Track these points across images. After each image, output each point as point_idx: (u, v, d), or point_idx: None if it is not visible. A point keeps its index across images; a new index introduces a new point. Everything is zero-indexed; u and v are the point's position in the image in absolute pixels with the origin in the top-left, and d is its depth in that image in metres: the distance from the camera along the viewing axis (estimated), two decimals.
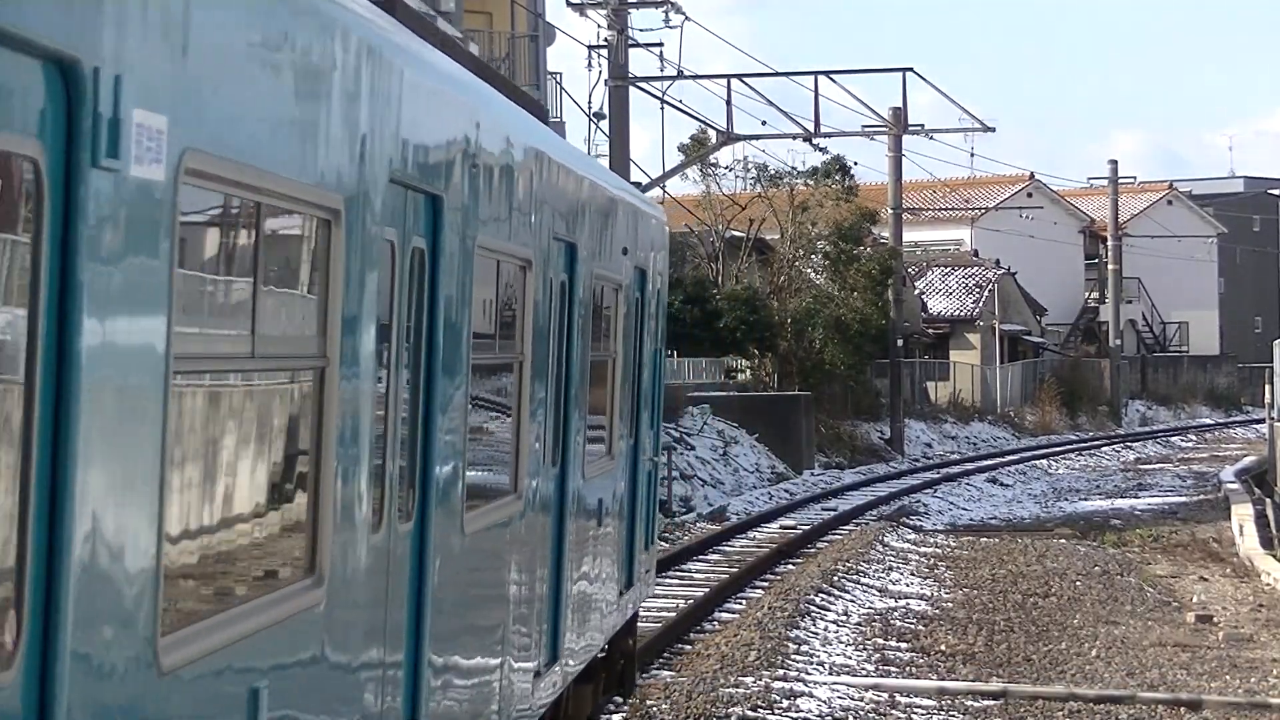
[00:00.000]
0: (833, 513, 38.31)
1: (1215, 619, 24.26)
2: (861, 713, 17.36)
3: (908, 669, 20.09)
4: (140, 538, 5.22)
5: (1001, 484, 49.60)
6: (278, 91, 6.24)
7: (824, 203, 61.22)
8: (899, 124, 47.26)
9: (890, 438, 59.40)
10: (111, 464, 5.01)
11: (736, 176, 62.57)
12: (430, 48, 8.69)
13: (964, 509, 42.39)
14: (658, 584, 26.11)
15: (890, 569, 29.12)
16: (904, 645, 21.65)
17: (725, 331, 56.27)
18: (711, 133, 47.26)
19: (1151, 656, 21.24)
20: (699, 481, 42.68)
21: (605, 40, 40.75)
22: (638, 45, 41.28)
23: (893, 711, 17.56)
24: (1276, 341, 48.38)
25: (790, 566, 28.89)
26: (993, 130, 48.62)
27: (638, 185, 41.86)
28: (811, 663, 19.77)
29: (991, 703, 18.14)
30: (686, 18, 40.91)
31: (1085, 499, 45.72)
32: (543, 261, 10.94)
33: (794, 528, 34.48)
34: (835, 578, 26.68)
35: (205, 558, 5.92)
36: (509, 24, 50.20)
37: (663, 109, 45.23)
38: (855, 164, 65.65)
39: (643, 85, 41.88)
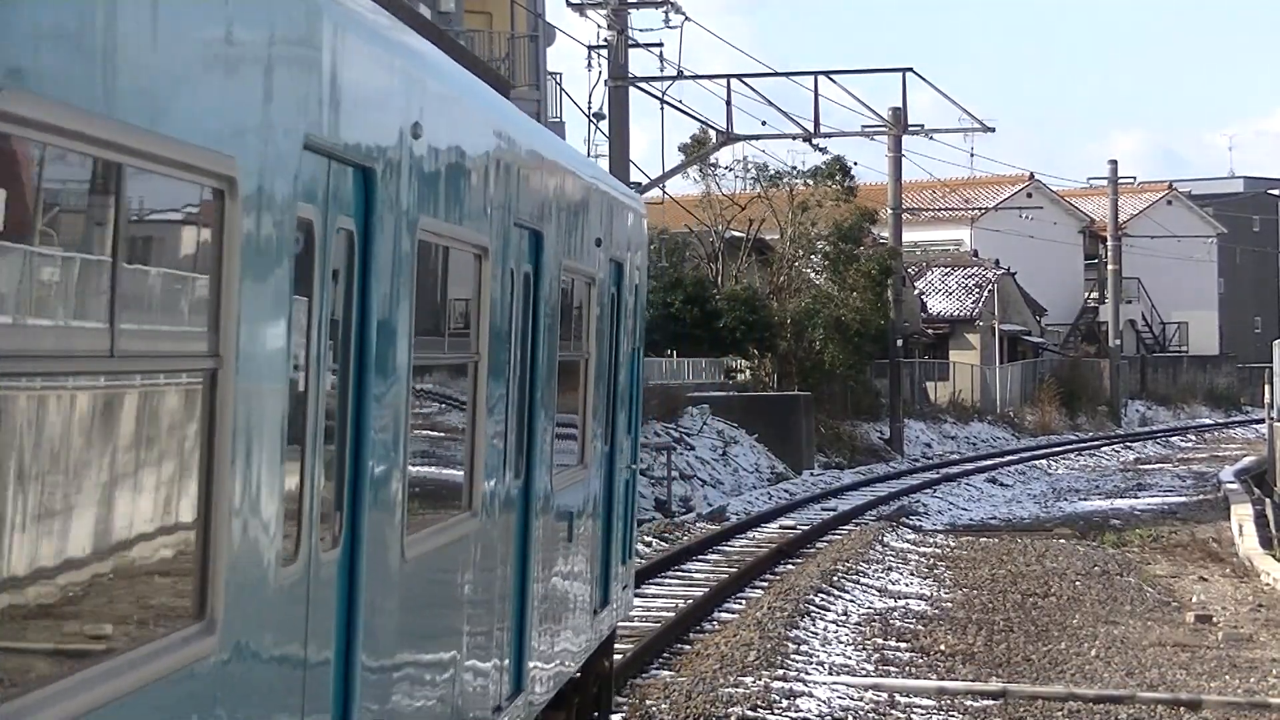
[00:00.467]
0: (832, 513, 38.31)
1: (1215, 619, 24.26)
2: (861, 713, 17.36)
3: (907, 669, 20.09)
4: None
5: (1001, 484, 49.61)
6: (140, 24, 5.15)
7: (824, 203, 61.24)
8: (899, 124, 47.28)
9: (890, 438, 59.40)
10: None
11: (736, 177, 62.66)
12: (369, 3, 7.65)
13: (963, 509, 42.40)
14: (658, 584, 26.16)
15: (890, 569, 29.13)
16: (903, 645, 21.65)
17: (725, 331, 56.30)
18: (711, 133, 47.27)
19: (1151, 656, 21.24)
20: (699, 481, 42.68)
21: (605, 40, 40.76)
22: (638, 45, 41.29)
23: (892, 711, 17.56)
24: (1276, 341, 48.39)
25: (790, 566, 28.90)
26: (992, 130, 48.67)
27: (637, 185, 41.91)
28: (811, 663, 19.77)
29: (991, 703, 18.14)
30: (686, 18, 40.96)
31: (1085, 499, 45.73)
32: (502, 250, 9.87)
33: (794, 528, 34.49)
34: (835, 578, 26.69)
35: (54, 605, 4.93)
36: (509, 24, 50.23)
37: (663, 109, 45.37)
38: (855, 164, 65.64)
39: (643, 85, 41.90)
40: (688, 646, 20.75)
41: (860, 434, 58.55)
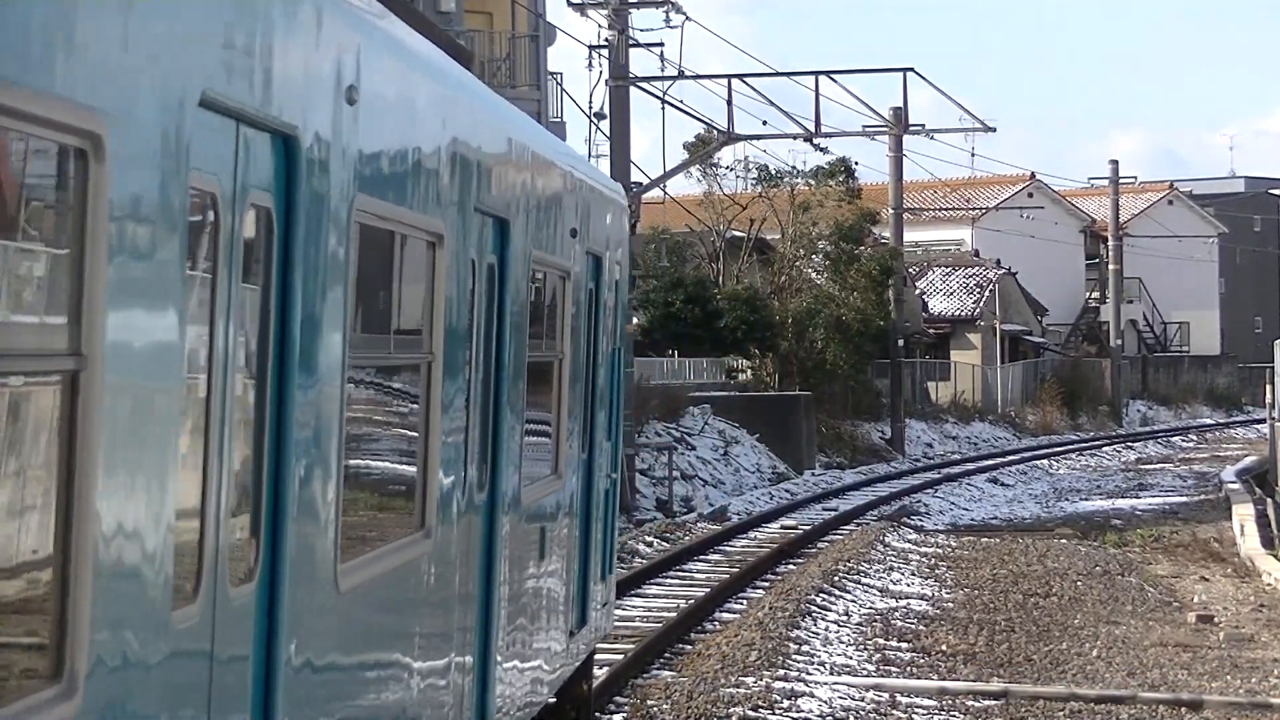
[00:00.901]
0: (833, 513, 38.30)
1: (1216, 619, 24.25)
2: (862, 713, 17.35)
3: (908, 669, 20.08)
4: None
5: (1002, 484, 49.60)
6: None
7: (825, 203, 61.25)
8: (899, 124, 47.23)
9: (891, 438, 59.39)
10: None
11: (737, 176, 62.65)
12: None
13: (965, 509, 42.39)
14: (659, 584, 26.14)
15: (891, 569, 29.11)
16: (905, 645, 21.64)
17: (726, 331, 56.31)
18: (713, 133, 47.24)
19: (1152, 656, 21.23)
20: (700, 481, 42.69)
21: (606, 40, 40.72)
22: (638, 45, 41.25)
23: (893, 711, 17.55)
24: (1277, 341, 48.35)
25: (791, 566, 28.88)
26: (993, 130, 48.55)
27: (638, 185, 41.89)
28: (812, 663, 19.76)
29: (992, 703, 18.13)
30: (687, 18, 40.90)
31: (1086, 499, 45.72)
32: (460, 238, 8.87)
33: (795, 528, 34.48)
34: (836, 578, 26.67)
35: None
36: (509, 24, 50.22)
37: (663, 109, 45.39)
38: (857, 164, 65.63)
39: (643, 85, 41.87)
40: (689, 646, 20.74)
41: (861, 434, 58.54)
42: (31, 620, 4.73)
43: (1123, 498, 46.00)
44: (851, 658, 20.49)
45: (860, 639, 21.90)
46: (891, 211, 61.41)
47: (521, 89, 50.73)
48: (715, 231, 61.56)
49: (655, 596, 24.87)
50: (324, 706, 6.88)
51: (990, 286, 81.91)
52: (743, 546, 31.50)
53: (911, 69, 44.12)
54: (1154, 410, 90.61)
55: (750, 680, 18.12)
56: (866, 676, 19.26)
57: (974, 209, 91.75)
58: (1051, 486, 49.68)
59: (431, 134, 8.35)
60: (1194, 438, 76.51)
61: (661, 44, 41.45)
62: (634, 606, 23.79)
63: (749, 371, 58.98)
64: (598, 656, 19.44)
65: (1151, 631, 23.23)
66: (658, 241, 59.11)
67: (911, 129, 47.73)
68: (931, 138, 49.03)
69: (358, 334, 7.33)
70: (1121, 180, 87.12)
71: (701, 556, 29.71)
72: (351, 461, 7.31)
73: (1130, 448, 67.72)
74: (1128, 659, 21.06)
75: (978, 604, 25.51)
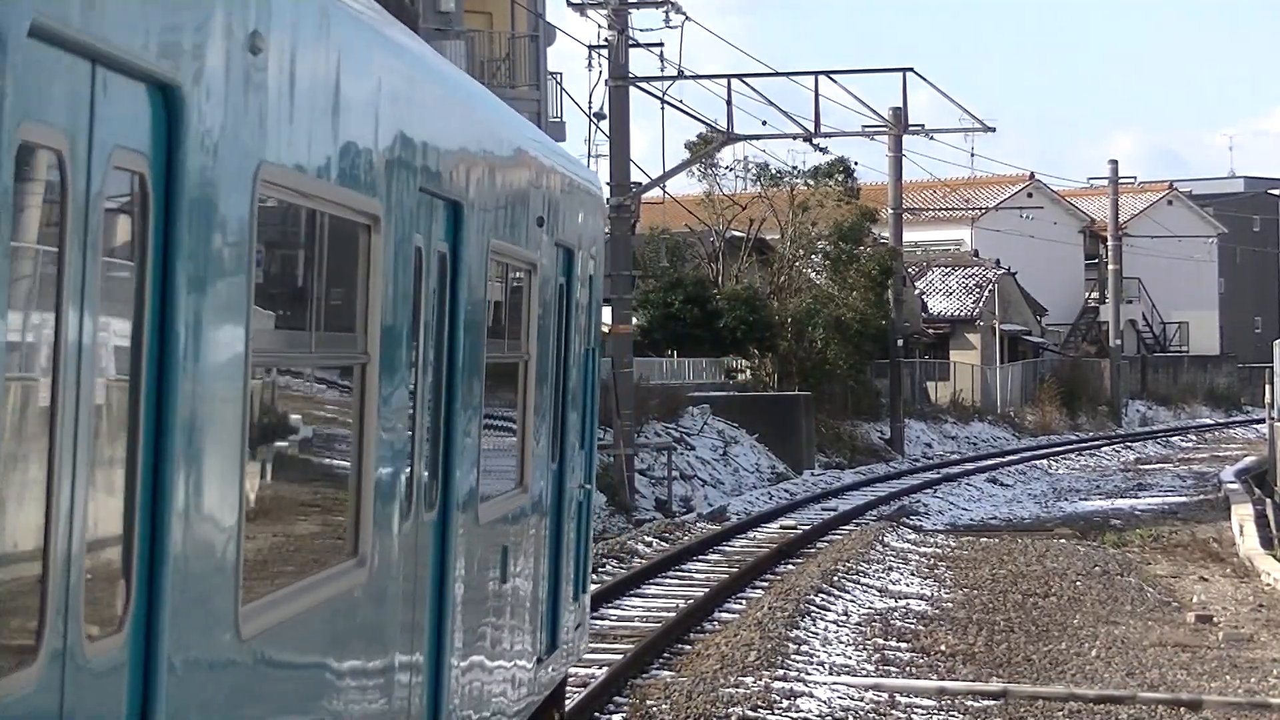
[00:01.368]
0: (833, 513, 38.32)
1: (1215, 619, 24.26)
2: (861, 713, 17.35)
3: (908, 669, 20.09)
4: None
5: (1001, 484, 49.61)
6: None
7: (824, 203, 61.29)
8: (899, 124, 47.24)
9: (890, 438, 59.41)
10: None
11: (737, 176, 62.68)
12: None
13: (964, 509, 42.40)
14: (658, 584, 26.15)
15: (890, 569, 29.12)
16: (904, 645, 21.65)
17: (725, 331, 56.33)
18: (713, 133, 47.26)
19: (1151, 656, 21.24)
20: (699, 481, 42.70)
21: (605, 40, 40.74)
22: (638, 45, 41.27)
23: (893, 711, 17.56)
24: (1276, 341, 48.38)
25: (790, 566, 28.89)
26: (993, 130, 48.57)
27: (637, 185, 41.90)
28: (811, 663, 19.77)
29: (991, 703, 18.13)
30: (687, 18, 40.92)
31: (1085, 499, 45.73)
32: (400, 221, 7.77)
33: (794, 528, 34.49)
34: (835, 578, 26.68)
35: None
36: (509, 24, 50.22)
37: (663, 109, 45.41)
38: (856, 164, 65.68)
39: (643, 85, 41.88)
40: (688, 646, 20.75)
41: (861, 434, 58.56)
42: None
43: (1122, 498, 46.01)
44: (851, 658, 20.50)
45: (859, 639, 21.91)
46: (891, 211, 61.42)
47: (521, 89, 50.74)
48: (715, 231, 61.59)
49: (654, 596, 24.88)
50: None
51: (990, 286, 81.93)
52: (742, 546, 31.51)
53: (911, 69, 44.16)
54: (1153, 410, 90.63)
55: (749, 680, 18.13)
56: (866, 676, 19.27)
57: (973, 209, 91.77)
58: (1051, 486, 49.70)
59: (364, 99, 7.21)
60: (1193, 438, 76.52)
61: (661, 44, 41.50)
62: (633, 606, 23.81)
63: (748, 371, 59.01)
64: (596, 656, 19.49)
65: (1150, 631, 23.24)
66: (657, 241, 59.13)
67: (911, 129, 47.75)
68: (931, 138, 49.07)
69: (271, 330, 6.35)
70: (1121, 180, 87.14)
71: (701, 556, 29.72)
72: (260, 481, 6.30)
73: (1129, 448, 67.74)
74: (1127, 659, 21.07)
75: (977, 604, 25.52)
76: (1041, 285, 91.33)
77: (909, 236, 71.97)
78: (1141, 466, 58.84)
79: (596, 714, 16.57)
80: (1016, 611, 24.79)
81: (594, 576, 26.46)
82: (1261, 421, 69.87)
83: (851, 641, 21.68)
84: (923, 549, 32.54)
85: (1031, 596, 26.29)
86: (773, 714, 16.81)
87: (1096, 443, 69.13)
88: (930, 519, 39.34)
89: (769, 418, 48.97)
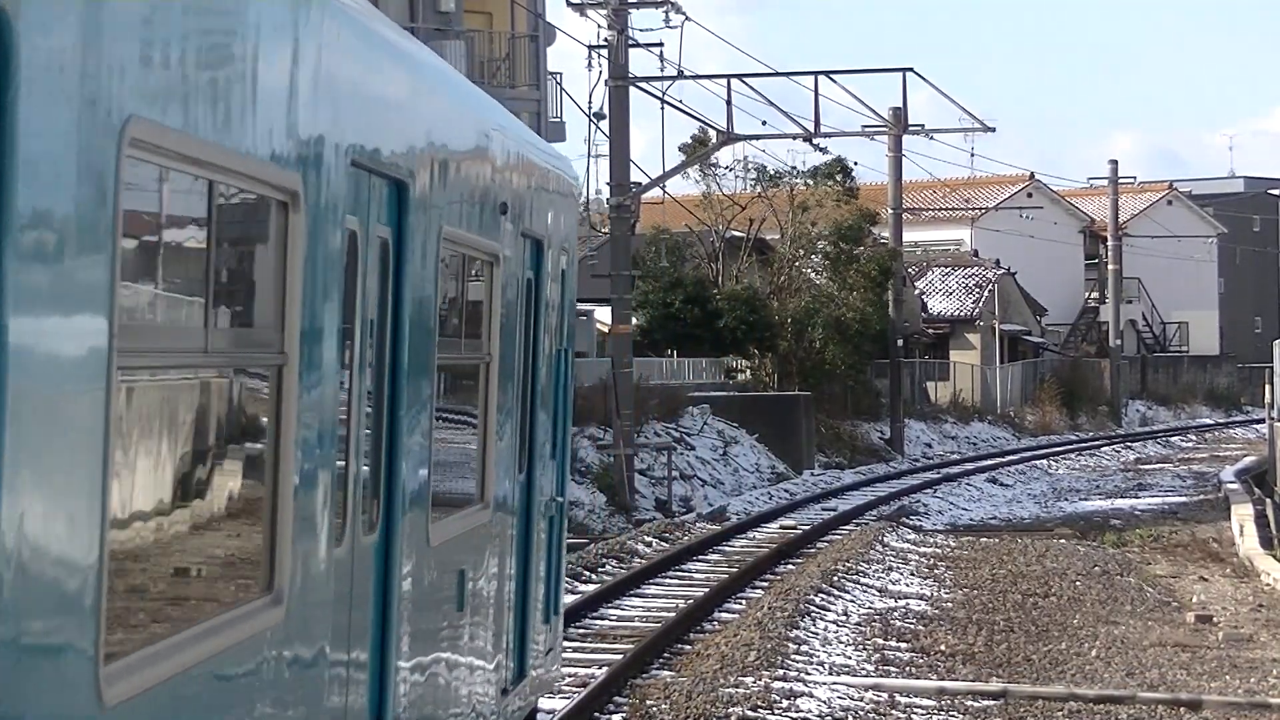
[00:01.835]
0: (833, 513, 38.33)
1: (1215, 619, 24.26)
2: (861, 713, 17.35)
3: (908, 669, 20.09)
4: None
5: (1001, 484, 49.62)
6: None
7: (824, 203, 61.32)
8: (899, 124, 47.25)
9: (890, 438, 59.42)
10: None
11: (736, 176, 62.69)
12: None
13: (964, 509, 42.41)
14: (658, 584, 26.16)
15: (890, 569, 29.13)
16: (904, 645, 21.65)
17: (725, 331, 56.37)
18: (711, 133, 47.30)
19: (1151, 656, 21.24)
20: (699, 481, 42.71)
21: (605, 40, 40.74)
22: (638, 45, 41.27)
23: (893, 711, 17.56)
24: (1276, 341, 48.38)
25: (790, 566, 28.90)
26: (993, 130, 48.60)
27: (637, 185, 41.91)
28: (811, 663, 19.77)
29: (991, 703, 18.13)
30: (687, 18, 40.93)
31: (1085, 499, 45.74)
32: (326, 198, 6.69)
33: (794, 528, 34.49)
34: (835, 578, 26.68)
35: None
36: (509, 24, 50.24)
37: (663, 109, 45.39)
38: (855, 164, 65.71)
39: (643, 85, 41.89)
40: (688, 646, 20.75)
41: (860, 434, 58.57)
42: None
43: (1122, 498, 46.02)
44: (850, 658, 20.50)
45: (859, 639, 21.91)
46: (891, 212, 61.44)
47: (521, 89, 50.77)
48: (714, 231, 61.61)
49: (654, 596, 24.88)
50: None
51: (989, 286, 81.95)
52: (742, 546, 31.51)
53: (911, 69, 44.17)
54: (1153, 410, 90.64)
55: (749, 680, 18.13)
56: (865, 676, 19.27)
57: (973, 209, 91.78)
58: (1050, 486, 49.71)
59: (273, 48, 6.10)
60: (1193, 438, 76.53)
61: (661, 44, 41.50)
62: (633, 606, 23.81)
63: (748, 371, 59.04)
64: (597, 654, 19.50)
65: (1150, 631, 23.24)
66: (657, 241, 59.15)
67: (911, 129, 47.76)
68: (931, 138, 49.10)
69: (143, 323, 5.31)
70: (1121, 180, 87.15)
71: (700, 556, 29.73)
72: (134, 509, 5.22)
73: (1129, 448, 67.75)
74: (1127, 659, 21.07)
75: (977, 604, 25.52)
76: (1041, 285, 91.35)
77: (909, 236, 71.98)
78: (1141, 466, 58.85)
79: (596, 714, 16.57)
80: (1016, 611, 24.79)
81: (594, 576, 26.48)
82: (1261, 421, 69.87)
83: (851, 641, 21.68)
84: (923, 549, 32.55)
85: (1031, 596, 26.29)
86: (773, 714, 16.81)
87: (1096, 443, 69.14)
88: (930, 519, 39.35)
89: (769, 418, 48.99)
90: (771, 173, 61.82)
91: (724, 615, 23.32)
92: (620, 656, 19.01)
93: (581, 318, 56.55)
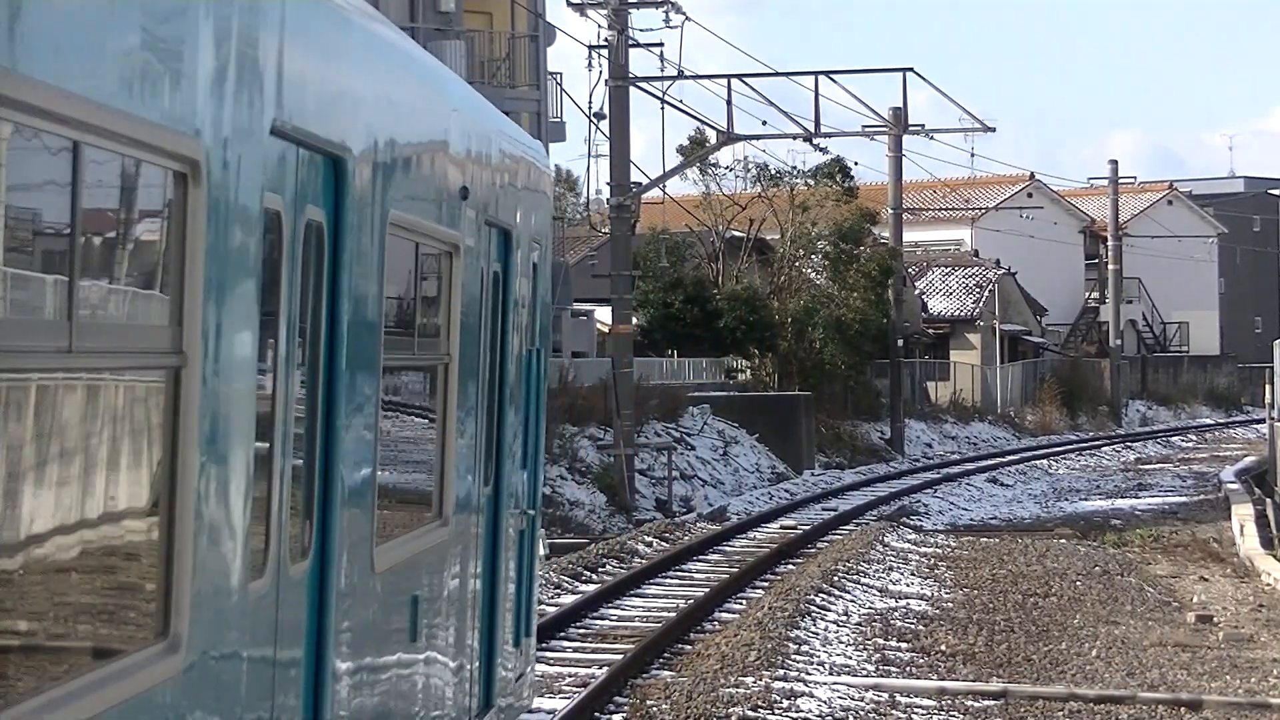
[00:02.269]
0: (833, 513, 38.32)
1: (1215, 619, 24.25)
2: (862, 713, 17.35)
3: (908, 669, 20.09)
4: None
5: (1002, 484, 49.62)
6: None
7: (824, 203, 61.33)
8: (899, 124, 47.23)
9: (890, 438, 59.42)
10: None
11: (737, 176, 62.71)
12: None
13: (964, 509, 42.41)
14: (658, 584, 26.15)
15: (890, 569, 29.12)
16: (904, 645, 21.64)
17: (725, 331, 56.38)
18: (711, 133, 47.29)
19: (1152, 656, 21.23)
20: (699, 481, 42.71)
21: (605, 40, 40.73)
22: (638, 45, 41.26)
23: (893, 711, 17.55)
24: (1276, 341, 48.36)
25: (790, 566, 28.89)
26: (993, 130, 48.59)
27: (636, 185, 41.91)
28: (812, 663, 19.76)
29: (992, 703, 18.13)
30: (687, 18, 40.91)
31: (1085, 499, 45.73)
32: (233, 170, 5.70)
33: (794, 528, 34.49)
34: (835, 578, 26.68)
35: None
36: (509, 24, 50.24)
37: (663, 109, 45.30)
38: (855, 164, 65.82)
39: (643, 85, 41.88)
40: (688, 646, 20.74)
41: (861, 434, 58.57)
42: None
43: (1122, 498, 46.01)
44: (851, 658, 20.50)
45: (860, 639, 21.91)
46: (891, 211, 61.45)
47: (521, 89, 50.79)
48: (714, 232, 61.62)
49: (654, 596, 24.88)
50: None
51: (990, 286, 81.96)
52: (742, 546, 31.51)
53: (911, 69, 44.13)
54: (1153, 410, 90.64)
55: (750, 680, 18.12)
56: (866, 676, 19.26)
57: (973, 209, 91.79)
58: (1051, 486, 49.70)
59: None
60: (1193, 438, 76.52)
61: (661, 44, 41.48)
62: (633, 606, 23.81)
63: (748, 371, 59.05)
64: (597, 654, 19.50)
65: (1151, 631, 23.23)
66: (657, 242, 59.16)
67: (911, 129, 47.75)
68: (931, 138, 49.09)
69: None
70: (1121, 180, 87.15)
71: (701, 556, 29.72)
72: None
73: (1130, 448, 67.74)
74: (1127, 659, 21.06)
75: (977, 604, 25.52)
76: (1041, 285, 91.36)
77: (909, 236, 71.99)
78: (1142, 466, 58.84)
79: (597, 714, 16.57)
80: (1016, 611, 24.79)
81: (594, 576, 26.48)
82: (1261, 421, 69.87)
83: (852, 641, 21.67)
84: (923, 549, 32.54)
85: (1032, 596, 26.29)
86: (773, 714, 16.81)
87: (1096, 443, 69.13)
88: (930, 519, 39.35)
89: (769, 418, 48.99)
90: (772, 173, 61.84)
91: (724, 615, 23.31)
92: (620, 656, 19.01)
93: (581, 318, 56.59)
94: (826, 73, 43.71)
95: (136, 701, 5.10)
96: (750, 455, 46.59)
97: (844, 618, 23.48)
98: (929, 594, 26.54)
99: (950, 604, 25.52)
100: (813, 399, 53.30)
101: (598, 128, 43.34)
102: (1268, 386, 49.74)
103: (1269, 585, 27.46)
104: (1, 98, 4.24)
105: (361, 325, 7.33)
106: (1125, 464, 60.29)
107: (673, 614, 22.54)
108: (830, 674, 19.20)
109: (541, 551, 28.27)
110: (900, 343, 61.66)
